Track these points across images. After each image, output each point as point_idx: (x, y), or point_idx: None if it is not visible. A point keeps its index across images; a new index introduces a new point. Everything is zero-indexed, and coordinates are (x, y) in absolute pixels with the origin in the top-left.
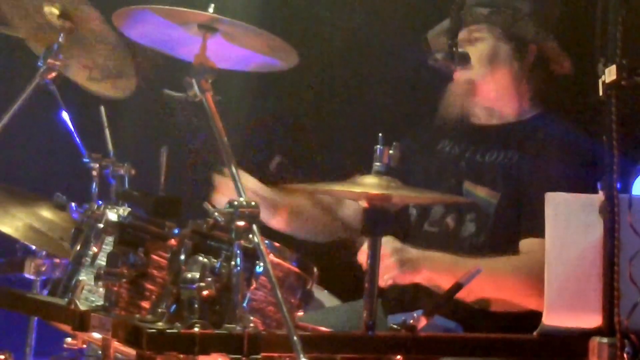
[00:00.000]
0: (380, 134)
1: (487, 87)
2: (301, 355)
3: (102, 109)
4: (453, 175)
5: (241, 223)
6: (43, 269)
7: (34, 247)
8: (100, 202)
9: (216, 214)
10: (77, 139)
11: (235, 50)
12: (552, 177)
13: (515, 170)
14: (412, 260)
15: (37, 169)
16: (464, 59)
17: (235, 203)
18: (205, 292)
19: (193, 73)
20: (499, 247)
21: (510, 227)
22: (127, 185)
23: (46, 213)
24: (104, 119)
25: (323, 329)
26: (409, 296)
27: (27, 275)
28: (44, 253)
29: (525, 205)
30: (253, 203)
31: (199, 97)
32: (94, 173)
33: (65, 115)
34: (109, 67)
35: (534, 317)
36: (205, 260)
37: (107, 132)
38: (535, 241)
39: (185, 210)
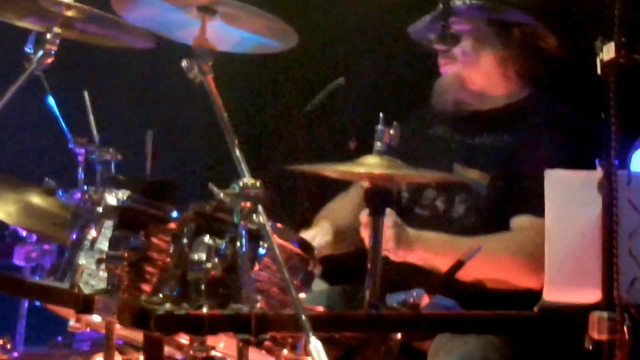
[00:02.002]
0: (381, 114)
1: (475, 75)
2: (310, 334)
3: (86, 93)
4: (444, 158)
5: (246, 204)
6: (33, 255)
7: (24, 234)
8: (85, 187)
9: (222, 195)
10: (63, 124)
11: (234, 32)
12: (543, 156)
13: (505, 151)
14: (408, 239)
15: (23, 154)
16: (456, 39)
17: (241, 184)
18: (212, 273)
19: (193, 56)
20: (489, 228)
21: (500, 207)
22: (113, 171)
23: (36, 199)
24: (88, 103)
25: (320, 308)
26: (402, 276)
27: (16, 262)
28: (33, 239)
29: (516, 185)
30: (258, 183)
31: (199, 80)
32: (80, 158)
33: (51, 101)
34: None
35: (529, 296)
36: (211, 241)
37: (91, 117)
38: (527, 218)
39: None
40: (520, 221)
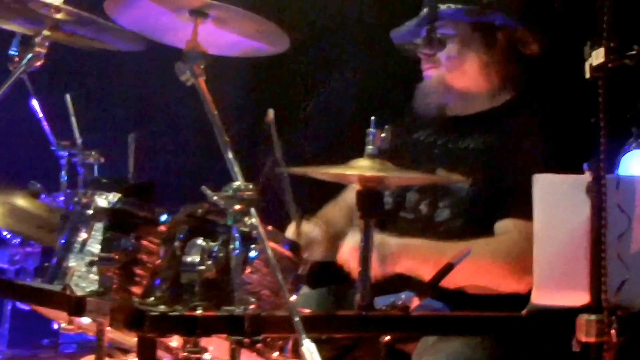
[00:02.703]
0: (373, 118)
1: (459, 79)
2: (303, 335)
3: (68, 97)
4: (427, 162)
5: (239, 206)
6: (17, 257)
7: (8, 236)
8: (68, 190)
9: (215, 197)
10: (46, 127)
11: (225, 35)
12: (526, 159)
13: (489, 155)
14: (392, 254)
15: (6, 157)
16: (442, 44)
17: (234, 186)
18: (206, 275)
19: (185, 58)
20: (474, 232)
21: (485, 210)
22: (96, 173)
23: (21, 201)
24: (70, 107)
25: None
26: (391, 279)
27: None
28: (17, 242)
29: (500, 188)
30: (251, 186)
31: (191, 82)
32: (63, 161)
33: (35, 103)
34: None
35: (517, 300)
36: (204, 243)
37: (73, 120)
38: (511, 222)
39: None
40: (504, 225)
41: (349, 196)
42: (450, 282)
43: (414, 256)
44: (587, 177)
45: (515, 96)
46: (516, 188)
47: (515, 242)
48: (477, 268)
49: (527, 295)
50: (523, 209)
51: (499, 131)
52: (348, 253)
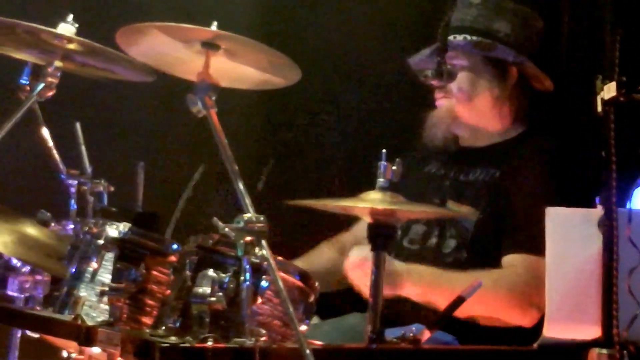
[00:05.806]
0: (384, 150)
1: (470, 111)
2: None
3: (78, 125)
4: (437, 195)
5: (249, 238)
6: (26, 285)
7: (18, 264)
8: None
9: (227, 229)
10: (56, 156)
11: (236, 67)
12: (534, 193)
13: (497, 187)
14: (396, 273)
15: (15, 186)
16: (451, 76)
17: (245, 218)
18: (216, 307)
19: (197, 90)
20: (480, 263)
21: (490, 243)
22: (105, 202)
23: (31, 230)
24: (80, 135)
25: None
26: (402, 312)
27: (9, 293)
28: (27, 270)
29: (507, 221)
30: (262, 217)
31: (202, 114)
32: (72, 190)
33: (45, 132)
34: None
35: (527, 333)
36: (215, 275)
37: (83, 148)
38: (517, 256)
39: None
40: (510, 258)
41: (358, 228)
42: (458, 312)
43: (419, 281)
44: (598, 210)
45: (525, 130)
46: (523, 222)
47: (520, 276)
48: (479, 298)
49: (534, 330)
50: (530, 243)
51: (508, 165)
52: (353, 265)
